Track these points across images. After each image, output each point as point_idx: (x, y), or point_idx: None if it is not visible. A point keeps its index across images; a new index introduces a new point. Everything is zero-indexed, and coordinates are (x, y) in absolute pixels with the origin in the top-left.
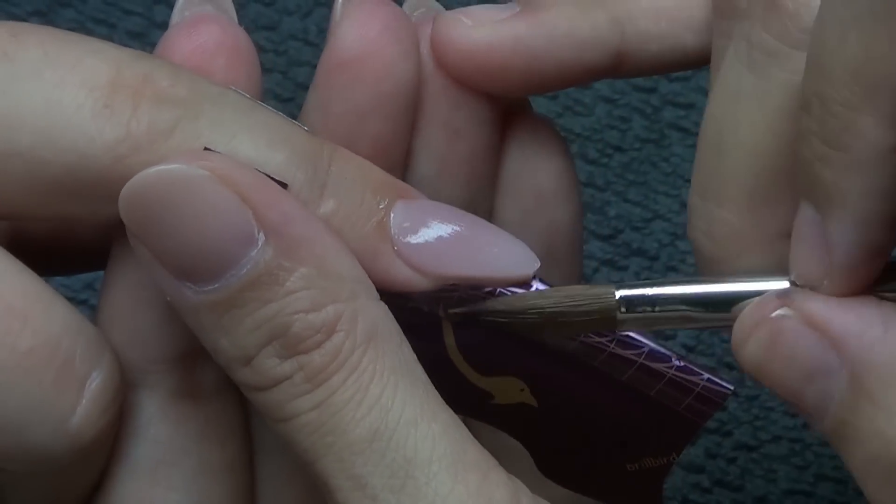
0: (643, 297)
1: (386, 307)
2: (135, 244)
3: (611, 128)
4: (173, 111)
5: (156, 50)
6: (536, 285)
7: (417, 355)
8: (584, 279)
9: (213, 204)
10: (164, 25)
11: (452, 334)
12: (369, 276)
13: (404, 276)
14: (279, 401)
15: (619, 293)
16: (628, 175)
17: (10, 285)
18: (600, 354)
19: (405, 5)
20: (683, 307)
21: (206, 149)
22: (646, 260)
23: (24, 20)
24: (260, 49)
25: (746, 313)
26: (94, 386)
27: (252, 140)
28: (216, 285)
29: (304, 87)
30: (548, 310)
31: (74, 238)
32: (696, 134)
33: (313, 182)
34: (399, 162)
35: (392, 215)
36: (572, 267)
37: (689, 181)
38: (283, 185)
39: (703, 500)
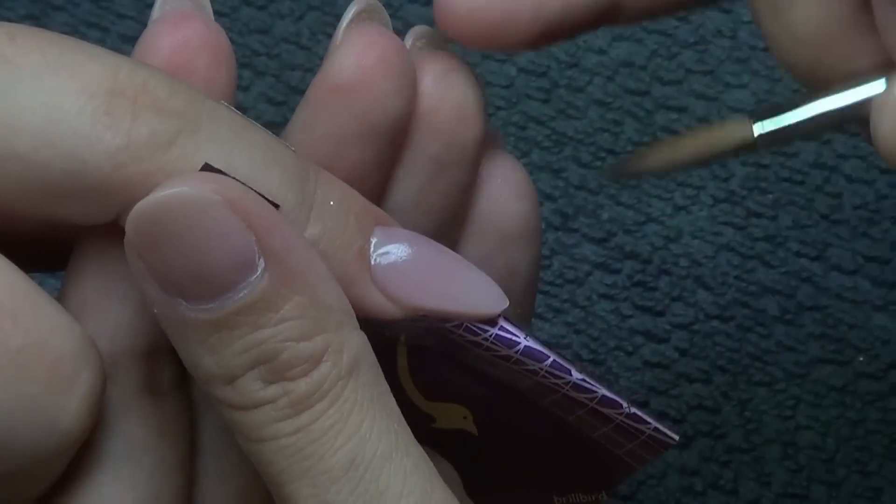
0: (780, 131)
1: (366, 337)
2: (132, 259)
3: (603, 131)
4: (173, 122)
5: (139, 44)
6: (501, 323)
7: None
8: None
9: (220, 229)
10: None
11: (406, 358)
12: None
13: (378, 303)
14: (258, 422)
15: (756, 132)
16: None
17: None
18: (553, 394)
19: (409, 33)
20: (816, 125)
21: (206, 164)
22: (639, 263)
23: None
24: (253, 53)
25: (874, 106)
26: (83, 386)
27: (248, 158)
28: (210, 306)
29: (297, 91)
30: (691, 158)
31: (62, 235)
32: None
33: (302, 204)
34: (373, 190)
35: (372, 242)
36: (525, 310)
37: (681, 185)
38: (275, 206)
39: (697, 503)
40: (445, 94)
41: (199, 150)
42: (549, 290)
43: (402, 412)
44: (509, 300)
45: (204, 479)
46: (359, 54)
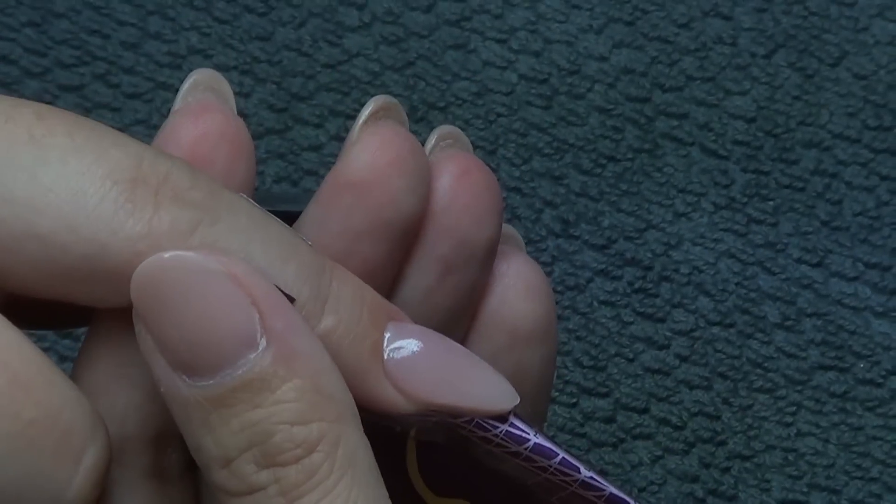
0: None
1: (367, 439)
2: (138, 329)
3: (604, 138)
4: (193, 213)
5: (160, 133)
6: (512, 420)
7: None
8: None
9: (222, 300)
10: (157, 36)
11: (415, 453)
12: (356, 395)
13: (390, 397)
14: None
15: None
16: (622, 185)
17: (14, 356)
18: (561, 491)
19: (434, 132)
20: None
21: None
22: (640, 270)
23: (18, 31)
24: (254, 59)
25: None
26: (89, 460)
27: (265, 251)
28: (210, 381)
29: (298, 98)
30: None
31: (76, 306)
32: (690, 144)
33: (317, 298)
34: (383, 286)
35: (385, 336)
36: (537, 408)
37: (682, 191)
38: (291, 300)
39: None
40: (459, 195)
41: (217, 242)
42: None
43: None
44: (520, 399)
45: None
46: (374, 153)
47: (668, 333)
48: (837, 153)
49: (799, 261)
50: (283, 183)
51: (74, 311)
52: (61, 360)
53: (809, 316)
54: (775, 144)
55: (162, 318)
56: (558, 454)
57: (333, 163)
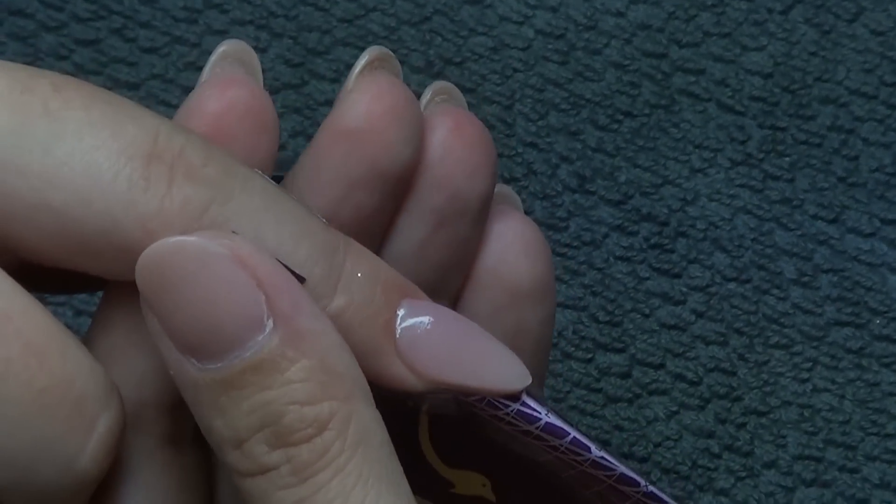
0: None
1: (379, 414)
2: (146, 313)
3: (621, 93)
4: (206, 192)
5: (186, 103)
6: (524, 398)
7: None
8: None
9: (228, 283)
10: None
11: (427, 426)
12: (367, 373)
13: (401, 376)
14: (265, 489)
15: None
16: (638, 141)
17: (28, 322)
18: (572, 469)
19: (429, 88)
20: None
21: (233, 233)
22: (656, 225)
23: None
24: (270, 14)
25: None
26: (102, 427)
27: (277, 230)
28: (219, 365)
29: (315, 53)
30: None
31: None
32: (707, 99)
33: (329, 277)
34: (376, 235)
35: (398, 314)
36: (536, 367)
37: (698, 147)
38: (301, 279)
39: (713, 465)
40: (453, 147)
41: (229, 221)
42: (566, 253)
43: (422, 477)
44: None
45: None
46: (370, 101)
47: (684, 289)
48: (854, 109)
49: (815, 217)
50: (299, 138)
51: (89, 277)
52: (77, 314)
53: (825, 272)
54: (792, 100)
55: (168, 304)
56: (569, 434)
57: None
